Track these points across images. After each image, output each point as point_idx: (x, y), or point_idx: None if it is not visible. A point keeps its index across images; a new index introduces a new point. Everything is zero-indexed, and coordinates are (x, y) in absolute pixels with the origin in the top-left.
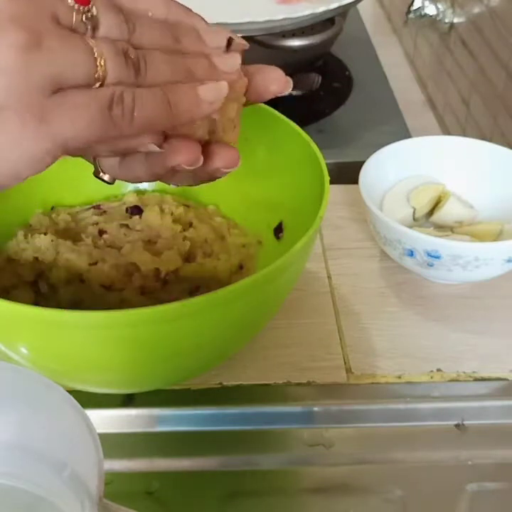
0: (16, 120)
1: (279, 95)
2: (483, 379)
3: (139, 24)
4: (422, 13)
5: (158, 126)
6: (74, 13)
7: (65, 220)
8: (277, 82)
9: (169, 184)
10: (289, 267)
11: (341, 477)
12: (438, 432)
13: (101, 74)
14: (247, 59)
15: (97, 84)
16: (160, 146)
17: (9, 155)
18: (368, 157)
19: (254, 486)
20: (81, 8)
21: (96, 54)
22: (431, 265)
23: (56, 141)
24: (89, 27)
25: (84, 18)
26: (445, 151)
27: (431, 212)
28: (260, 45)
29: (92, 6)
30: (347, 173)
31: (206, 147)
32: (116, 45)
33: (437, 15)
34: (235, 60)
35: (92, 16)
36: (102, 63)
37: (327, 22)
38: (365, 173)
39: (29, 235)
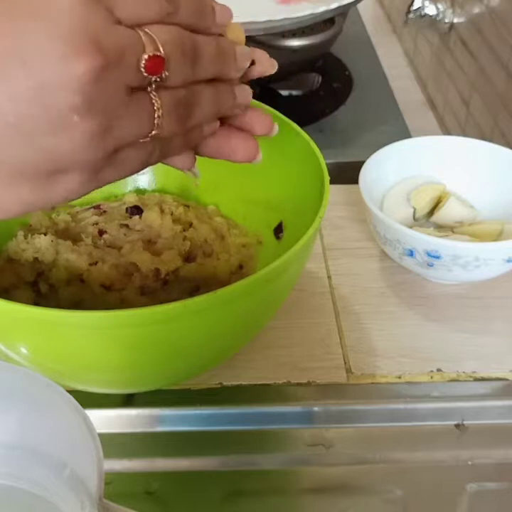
0: (76, 179)
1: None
2: (483, 379)
3: (201, 58)
4: (422, 13)
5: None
6: (145, 80)
7: (65, 220)
8: (261, 124)
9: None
10: (289, 267)
11: (341, 477)
12: (438, 432)
13: (155, 132)
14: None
15: (147, 138)
16: None
17: (53, 198)
18: (368, 157)
19: (254, 486)
20: (154, 77)
21: (156, 114)
22: (431, 265)
23: (99, 185)
24: (154, 85)
25: (154, 79)
26: (445, 151)
27: (431, 212)
28: (260, 45)
29: (164, 71)
30: (347, 173)
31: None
32: (176, 97)
33: (437, 15)
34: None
35: (161, 78)
36: (160, 122)
37: (327, 22)
38: (365, 173)
39: (29, 235)
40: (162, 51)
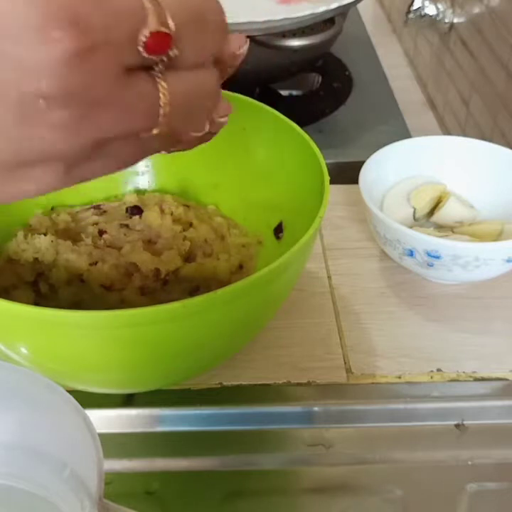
0: (47, 174)
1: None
2: (483, 379)
3: (208, 28)
4: (422, 13)
5: None
6: (147, 60)
7: (65, 221)
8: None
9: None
10: (289, 267)
11: (341, 477)
12: (438, 432)
13: (157, 130)
14: (248, 59)
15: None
16: None
17: (21, 193)
18: (368, 157)
19: (254, 486)
20: (159, 57)
21: (162, 106)
22: (431, 265)
23: (76, 182)
24: (162, 65)
25: (160, 60)
26: (445, 151)
27: (431, 213)
28: (260, 45)
29: (173, 49)
30: (347, 173)
31: None
32: (189, 82)
33: (437, 15)
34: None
35: (169, 58)
36: (166, 116)
37: (327, 22)
38: (365, 173)
39: (29, 235)
40: (171, 23)
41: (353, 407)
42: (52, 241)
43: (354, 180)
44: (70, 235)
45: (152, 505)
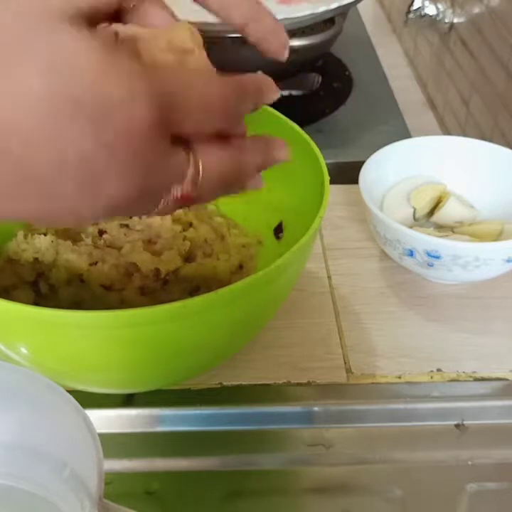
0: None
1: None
2: (483, 379)
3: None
4: (422, 13)
5: None
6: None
7: None
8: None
9: None
10: (289, 267)
11: (341, 477)
12: (438, 432)
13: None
14: (248, 59)
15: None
16: None
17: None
18: (368, 157)
19: (254, 486)
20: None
21: (161, 205)
22: (431, 265)
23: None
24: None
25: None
26: (445, 151)
27: (431, 213)
28: None
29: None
30: (347, 173)
31: None
32: (195, 197)
33: (437, 15)
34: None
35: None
36: (163, 208)
37: (327, 22)
38: (365, 173)
39: (29, 235)
40: (198, 189)
41: (353, 407)
42: (52, 241)
43: (354, 180)
44: (70, 234)
45: (152, 505)
